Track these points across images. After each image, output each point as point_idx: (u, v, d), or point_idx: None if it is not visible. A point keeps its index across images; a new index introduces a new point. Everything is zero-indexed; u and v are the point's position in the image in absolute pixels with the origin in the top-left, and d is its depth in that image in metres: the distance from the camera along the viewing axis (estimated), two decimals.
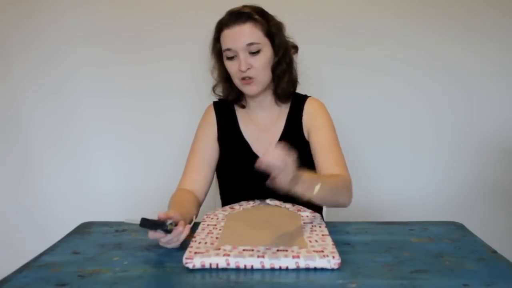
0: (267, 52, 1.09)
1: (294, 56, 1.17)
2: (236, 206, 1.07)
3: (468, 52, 1.76)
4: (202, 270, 0.76)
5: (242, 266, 0.76)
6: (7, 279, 0.74)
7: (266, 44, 1.09)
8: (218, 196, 1.34)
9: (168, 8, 1.73)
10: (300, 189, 0.84)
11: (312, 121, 1.16)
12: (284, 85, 1.15)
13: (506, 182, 1.86)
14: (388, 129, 1.80)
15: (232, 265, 0.76)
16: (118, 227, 0.99)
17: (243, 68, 1.06)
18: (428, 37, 1.75)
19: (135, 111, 1.80)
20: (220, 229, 0.91)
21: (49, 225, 1.77)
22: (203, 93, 1.79)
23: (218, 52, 1.13)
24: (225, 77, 1.17)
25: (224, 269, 0.76)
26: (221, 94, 1.22)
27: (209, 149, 1.18)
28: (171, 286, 0.71)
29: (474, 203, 1.86)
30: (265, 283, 0.72)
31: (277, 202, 1.08)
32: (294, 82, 1.18)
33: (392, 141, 1.81)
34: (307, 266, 0.76)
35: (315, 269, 0.76)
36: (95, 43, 1.75)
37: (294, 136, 1.17)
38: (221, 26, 1.10)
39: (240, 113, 1.22)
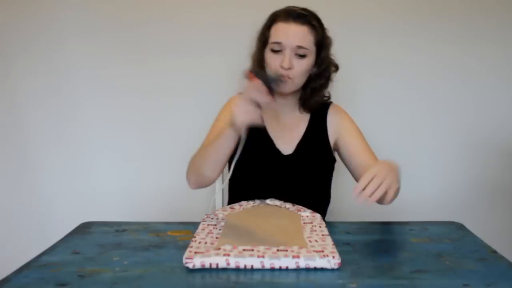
0: (310, 60, 1.09)
1: (332, 75, 1.17)
2: (236, 206, 1.07)
3: (466, 53, 1.76)
4: (202, 270, 0.76)
5: (242, 266, 0.76)
6: (7, 279, 0.74)
7: (312, 53, 1.09)
8: (218, 196, 1.34)
9: (167, 8, 1.73)
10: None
11: (340, 126, 1.19)
12: (318, 98, 1.17)
13: (505, 182, 1.86)
14: (386, 130, 1.80)
15: (232, 265, 0.76)
16: (118, 227, 0.99)
17: (286, 66, 1.05)
18: (425, 38, 1.75)
19: (136, 112, 1.80)
20: (220, 229, 0.91)
21: (49, 225, 1.77)
22: (203, 92, 1.79)
23: (265, 41, 1.11)
24: (262, 67, 1.14)
25: (224, 269, 0.76)
26: None
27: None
28: (171, 286, 0.71)
29: (474, 203, 1.86)
30: (265, 283, 0.72)
31: (277, 202, 1.08)
32: (327, 98, 1.20)
33: (390, 141, 1.80)
34: (307, 266, 0.76)
35: (315, 269, 0.76)
36: (96, 43, 1.75)
37: (316, 139, 1.17)
38: (277, 18, 1.08)
39: (265, 108, 1.21)
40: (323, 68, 1.13)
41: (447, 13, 1.74)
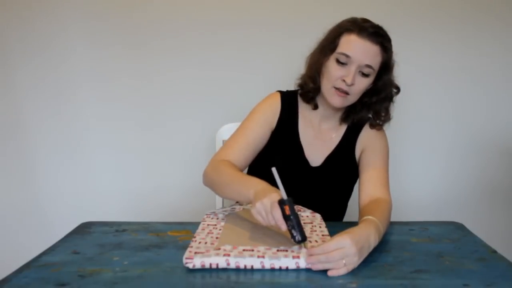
0: (370, 80, 1.06)
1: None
2: (236, 206, 1.07)
3: (468, 52, 1.76)
4: (202, 270, 0.76)
5: (242, 266, 0.76)
6: (7, 279, 0.74)
7: (375, 73, 1.05)
8: (218, 197, 1.34)
9: (169, 8, 1.73)
10: (371, 247, 0.83)
11: (368, 141, 1.15)
12: (381, 121, 1.14)
13: (506, 182, 1.86)
14: (387, 130, 1.80)
15: (232, 265, 0.76)
16: (118, 227, 0.99)
17: (349, 82, 1.01)
18: (424, 38, 1.75)
19: (135, 111, 1.80)
20: (220, 229, 0.91)
21: (49, 225, 1.77)
22: (204, 92, 1.80)
23: (332, 49, 1.06)
24: (318, 72, 1.10)
25: (224, 269, 0.76)
26: (303, 85, 1.15)
27: (261, 136, 1.13)
28: (171, 286, 0.71)
29: (474, 203, 1.86)
30: (265, 283, 0.72)
31: None
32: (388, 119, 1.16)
33: (391, 142, 1.80)
34: (307, 266, 0.76)
35: None
36: (95, 42, 1.75)
37: (345, 153, 1.15)
38: (350, 29, 1.03)
39: (302, 113, 1.17)
40: (388, 91, 1.10)
41: (446, 14, 1.74)
